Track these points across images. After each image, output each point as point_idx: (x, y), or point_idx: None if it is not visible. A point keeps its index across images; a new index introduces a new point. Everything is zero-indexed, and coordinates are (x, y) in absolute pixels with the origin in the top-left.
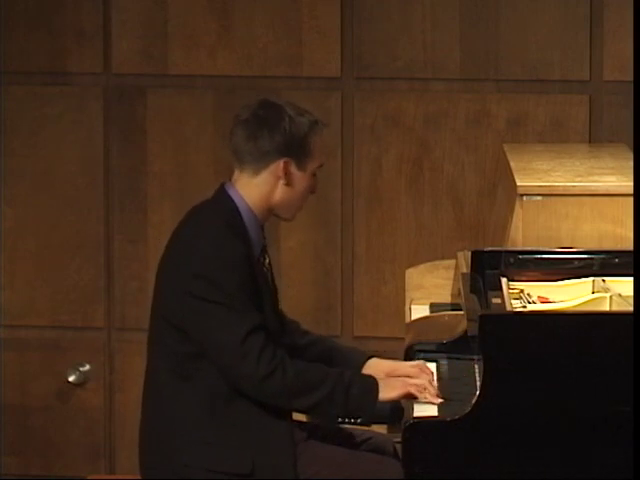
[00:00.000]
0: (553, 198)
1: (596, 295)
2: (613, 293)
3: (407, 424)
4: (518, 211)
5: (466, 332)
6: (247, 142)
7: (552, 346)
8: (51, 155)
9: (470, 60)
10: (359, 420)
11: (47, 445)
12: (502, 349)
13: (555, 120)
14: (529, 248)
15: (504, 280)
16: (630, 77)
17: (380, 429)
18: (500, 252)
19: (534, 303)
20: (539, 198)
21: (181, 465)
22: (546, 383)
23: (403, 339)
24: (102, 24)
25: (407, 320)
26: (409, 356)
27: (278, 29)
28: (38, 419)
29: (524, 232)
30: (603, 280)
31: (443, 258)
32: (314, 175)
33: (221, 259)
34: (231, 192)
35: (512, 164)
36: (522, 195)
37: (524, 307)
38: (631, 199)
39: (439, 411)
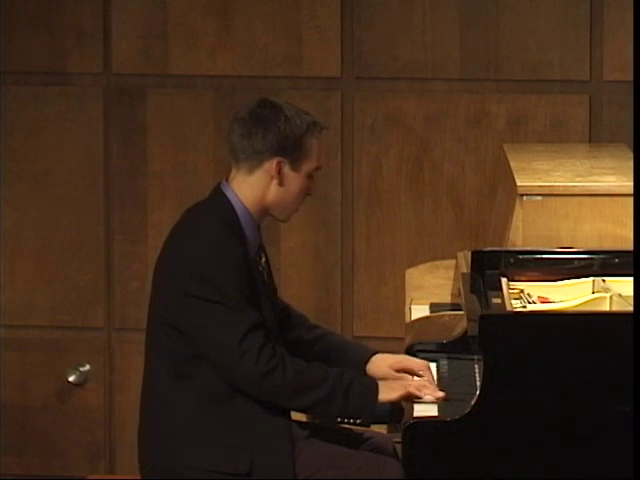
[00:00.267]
0: (553, 198)
1: (596, 295)
2: (613, 293)
3: (407, 424)
4: (518, 211)
5: (466, 332)
6: (242, 140)
7: (552, 346)
8: (51, 155)
9: (470, 60)
10: (358, 421)
11: (47, 445)
12: (502, 349)
13: (555, 120)
14: (529, 248)
15: (504, 280)
16: (630, 77)
17: (380, 429)
18: (500, 252)
19: (534, 303)
20: (539, 198)
21: (180, 465)
22: (546, 383)
23: (403, 339)
24: (102, 24)
25: (407, 320)
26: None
27: (278, 29)
28: (38, 419)
29: (524, 232)
30: (603, 280)
31: (443, 258)
32: (310, 177)
33: (217, 258)
34: (227, 191)
35: (512, 164)
36: (522, 195)
37: (524, 307)
38: (631, 199)
39: (439, 411)
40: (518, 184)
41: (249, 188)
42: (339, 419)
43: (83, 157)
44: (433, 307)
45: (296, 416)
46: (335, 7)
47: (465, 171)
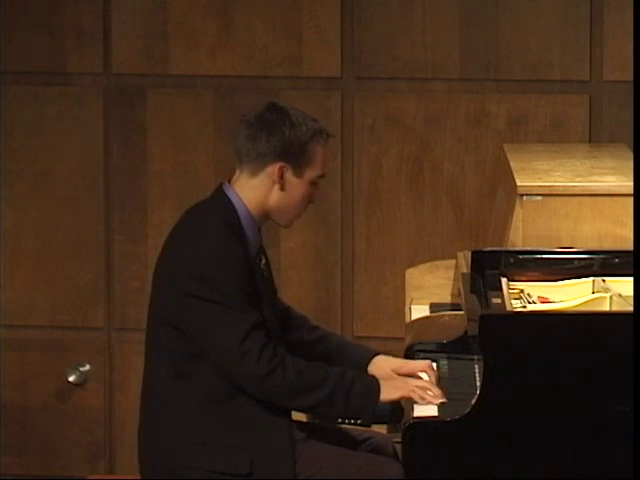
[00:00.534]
0: (553, 198)
1: (596, 295)
2: (613, 293)
3: (407, 424)
4: (518, 211)
5: (466, 332)
6: (246, 142)
7: (552, 346)
8: (51, 155)
9: (470, 60)
10: (359, 421)
11: (47, 445)
12: (502, 349)
13: (555, 120)
14: (529, 248)
15: (504, 280)
16: (630, 77)
17: (380, 429)
18: (500, 252)
19: (534, 303)
20: (539, 198)
21: (180, 465)
22: (546, 383)
23: (403, 339)
24: (102, 24)
25: (407, 320)
26: (409, 356)
27: (278, 29)
28: (38, 419)
29: (524, 232)
30: (603, 280)
31: (443, 258)
32: (314, 184)
33: (217, 259)
34: (229, 192)
35: (512, 164)
36: (522, 195)
37: (524, 307)
38: (631, 199)
39: (439, 411)
40: (518, 184)
41: (251, 191)
42: (340, 419)
43: (83, 157)
44: (433, 307)
45: (296, 417)
46: (335, 7)
47: (465, 171)
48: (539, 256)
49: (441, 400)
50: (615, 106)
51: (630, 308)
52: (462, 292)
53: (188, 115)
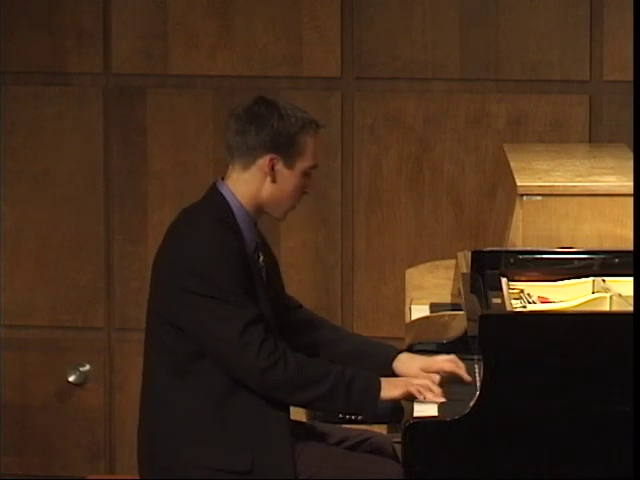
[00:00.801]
0: (553, 198)
1: (596, 295)
2: (613, 293)
3: (407, 424)
4: (518, 211)
5: (466, 332)
6: (236, 136)
7: (552, 346)
8: (51, 155)
9: (470, 60)
10: (359, 418)
11: (47, 445)
12: (502, 349)
13: (555, 120)
14: (529, 248)
15: (504, 280)
16: (630, 77)
17: (380, 429)
18: (500, 252)
19: (534, 303)
20: (539, 198)
21: (180, 464)
22: (546, 383)
23: (403, 339)
24: (102, 24)
25: (407, 320)
26: None
27: (278, 29)
28: (38, 419)
29: (524, 232)
30: (603, 280)
31: (443, 258)
32: (306, 175)
33: (214, 255)
34: (222, 189)
35: (512, 164)
36: (522, 195)
37: (524, 307)
38: (631, 199)
39: (439, 411)
40: (518, 184)
41: (244, 185)
42: (341, 415)
43: (83, 157)
44: (433, 307)
45: (296, 416)
46: (335, 7)
47: (465, 171)
48: (539, 256)
49: (441, 399)
50: (615, 106)
51: (630, 308)
52: (462, 292)
53: (188, 115)
